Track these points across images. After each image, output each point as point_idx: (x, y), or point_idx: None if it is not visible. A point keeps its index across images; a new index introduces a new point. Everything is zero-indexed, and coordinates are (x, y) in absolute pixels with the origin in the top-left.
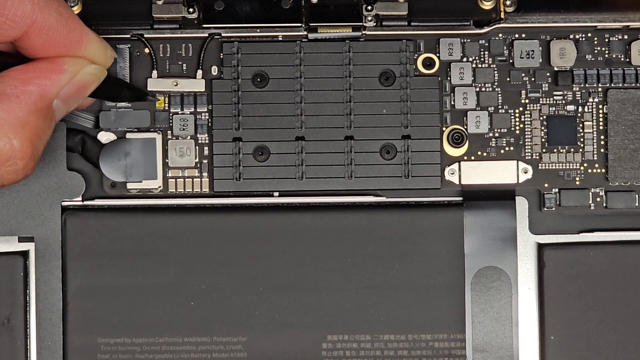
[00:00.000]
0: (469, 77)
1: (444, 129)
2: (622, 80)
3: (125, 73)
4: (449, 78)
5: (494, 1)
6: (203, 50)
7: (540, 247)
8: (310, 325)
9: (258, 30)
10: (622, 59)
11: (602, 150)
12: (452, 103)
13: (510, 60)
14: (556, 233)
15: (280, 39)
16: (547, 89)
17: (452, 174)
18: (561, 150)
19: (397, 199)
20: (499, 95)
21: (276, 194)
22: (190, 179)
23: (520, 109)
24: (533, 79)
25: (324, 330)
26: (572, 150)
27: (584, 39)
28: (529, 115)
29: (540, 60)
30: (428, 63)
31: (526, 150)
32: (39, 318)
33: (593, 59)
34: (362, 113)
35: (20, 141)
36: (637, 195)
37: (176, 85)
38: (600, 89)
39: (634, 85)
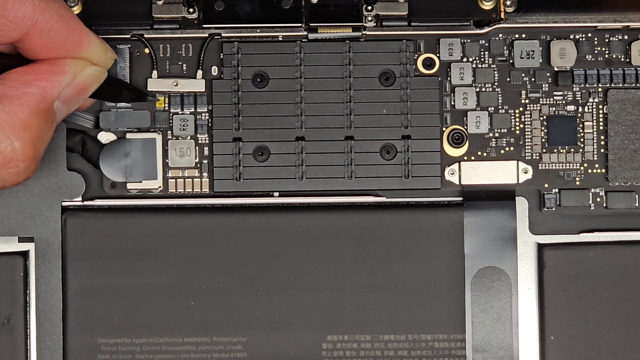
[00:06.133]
0: (469, 77)
1: (444, 129)
2: (622, 80)
3: (125, 73)
4: (449, 78)
5: (494, 1)
6: (203, 51)
7: (540, 247)
8: (310, 325)
9: (258, 30)
10: (622, 59)
11: (602, 150)
12: (452, 103)
13: (511, 61)
14: (556, 233)
15: (280, 39)
16: (547, 89)
17: (452, 174)
18: (561, 151)
19: (397, 199)
20: (499, 95)
21: (276, 194)
22: (190, 179)
23: (520, 109)
24: (533, 79)
25: (324, 330)
26: (572, 150)
27: (584, 39)
28: (529, 116)
29: (541, 61)
30: (428, 63)
31: (526, 151)
32: (39, 318)
33: (593, 59)
34: (362, 113)
35: (21, 143)
36: (637, 196)
37: (176, 85)
38: (600, 89)
39: (634, 85)
